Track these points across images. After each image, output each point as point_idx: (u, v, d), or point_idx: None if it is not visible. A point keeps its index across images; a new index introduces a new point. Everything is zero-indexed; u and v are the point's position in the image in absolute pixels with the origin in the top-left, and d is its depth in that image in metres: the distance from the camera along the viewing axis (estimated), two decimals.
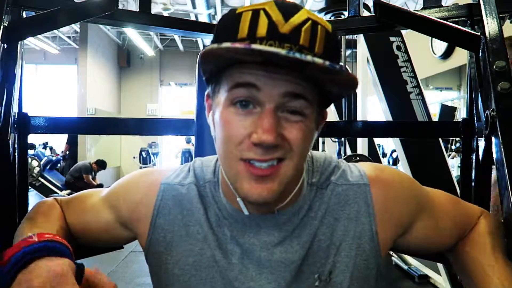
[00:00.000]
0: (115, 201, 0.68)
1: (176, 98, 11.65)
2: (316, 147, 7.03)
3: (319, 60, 0.41)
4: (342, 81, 0.46)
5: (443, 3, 0.98)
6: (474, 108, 0.92)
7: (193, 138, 1.18)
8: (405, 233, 0.65)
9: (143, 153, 9.87)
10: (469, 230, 0.68)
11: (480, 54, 0.83)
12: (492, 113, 0.73)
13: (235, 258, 0.60)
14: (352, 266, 0.59)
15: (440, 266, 2.88)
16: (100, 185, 6.86)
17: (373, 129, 1.15)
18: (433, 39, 5.17)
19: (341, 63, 0.45)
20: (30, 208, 0.73)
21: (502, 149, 0.69)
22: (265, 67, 0.47)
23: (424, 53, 5.78)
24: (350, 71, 0.44)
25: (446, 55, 5.61)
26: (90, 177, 6.71)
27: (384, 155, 9.30)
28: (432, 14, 0.95)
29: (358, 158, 3.17)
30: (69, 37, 10.33)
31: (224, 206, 0.61)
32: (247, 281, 0.59)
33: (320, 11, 4.17)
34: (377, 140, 5.66)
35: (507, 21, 0.91)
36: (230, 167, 0.52)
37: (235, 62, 0.49)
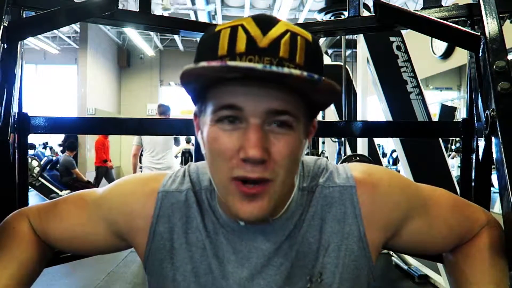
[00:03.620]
0: (108, 214, 0.65)
1: (176, 98, 11.66)
2: (316, 147, 7.03)
3: (296, 72, 0.42)
4: (324, 89, 0.46)
5: (443, 3, 0.99)
6: (474, 108, 0.92)
7: (193, 138, 1.18)
8: (395, 236, 0.64)
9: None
10: (468, 239, 0.67)
11: (480, 54, 0.83)
12: (492, 113, 0.73)
13: (230, 266, 0.60)
14: (341, 267, 0.59)
15: (440, 266, 2.88)
16: (89, 182, 6.78)
17: (373, 129, 1.15)
18: (433, 39, 5.17)
19: (319, 74, 0.44)
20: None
21: (502, 149, 0.69)
22: (247, 83, 0.47)
23: (424, 53, 5.78)
24: (328, 79, 0.44)
25: (446, 55, 5.61)
26: (77, 169, 6.63)
27: (384, 155, 9.31)
28: (432, 14, 0.95)
29: (358, 158, 3.17)
30: (69, 37, 10.33)
31: (220, 214, 0.61)
32: None
33: (320, 11, 4.16)
34: (377, 140, 5.66)
35: (507, 21, 0.91)
36: (221, 185, 0.53)
37: (218, 80, 0.49)
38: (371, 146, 4.17)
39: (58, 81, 10.82)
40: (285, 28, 0.49)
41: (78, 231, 0.67)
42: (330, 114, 5.05)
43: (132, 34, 9.06)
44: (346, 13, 1.05)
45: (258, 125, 0.48)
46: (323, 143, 7.04)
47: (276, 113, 0.49)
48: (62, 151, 8.31)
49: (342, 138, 4.23)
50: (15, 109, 0.87)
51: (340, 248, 0.60)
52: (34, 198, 6.08)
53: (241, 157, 0.48)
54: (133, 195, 0.65)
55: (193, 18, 8.19)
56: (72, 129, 1.10)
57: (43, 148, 8.72)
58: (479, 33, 0.84)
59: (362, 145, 3.76)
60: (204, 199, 0.63)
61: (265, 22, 0.49)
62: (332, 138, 4.99)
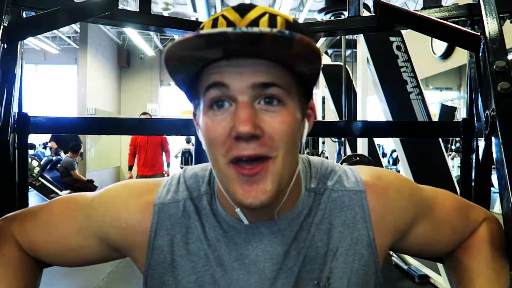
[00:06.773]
0: (100, 228, 0.62)
1: (176, 98, 11.64)
2: (316, 147, 7.03)
3: (266, 29, 0.42)
4: (303, 52, 0.45)
5: (443, 3, 0.99)
6: (474, 108, 0.92)
7: (193, 138, 1.18)
8: (401, 239, 0.64)
9: None
10: (468, 236, 0.68)
11: (480, 54, 0.83)
12: (492, 113, 0.73)
13: (236, 273, 0.58)
14: (349, 272, 0.59)
15: (440, 266, 2.88)
16: (89, 181, 6.78)
17: (373, 129, 1.15)
18: (433, 39, 5.17)
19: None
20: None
21: (502, 149, 0.69)
22: (230, 62, 0.48)
23: (424, 53, 5.77)
24: (302, 36, 0.42)
25: (446, 55, 5.60)
26: (77, 171, 6.63)
27: (384, 155, 9.30)
28: (432, 14, 0.95)
29: (358, 158, 3.17)
30: (69, 37, 10.32)
31: (224, 218, 0.59)
32: None
33: (320, 11, 4.17)
34: (377, 140, 5.66)
35: (507, 21, 0.91)
36: (221, 172, 0.51)
37: (202, 65, 0.50)
38: (371, 146, 4.17)
39: (58, 81, 10.81)
40: (263, 11, 0.51)
41: (69, 243, 0.64)
42: (330, 114, 5.05)
43: (132, 34, 9.04)
44: (346, 13, 1.05)
45: (247, 102, 0.48)
46: (323, 143, 7.03)
47: (263, 86, 0.48)
48: (62, 153, 8.24)
49: (342, 138, 4.23)
50: (15, 109, 0.87)
51: (348, 253, 0.59)
52: (34, 198, 6.07)
53: (233, 135, 0.48)
54: (127, 209, 0.62)
55: (193, 18, 8.19)
56: (72, 129, 1.10)
57: (43, 148, 8.69)
58: (479, 33, 0.84)
59: (362, 145, 3.76)
60: (205, 205, 0.61)
61: (243, 7, 0.51)
62: (332, 138, 4.99)
